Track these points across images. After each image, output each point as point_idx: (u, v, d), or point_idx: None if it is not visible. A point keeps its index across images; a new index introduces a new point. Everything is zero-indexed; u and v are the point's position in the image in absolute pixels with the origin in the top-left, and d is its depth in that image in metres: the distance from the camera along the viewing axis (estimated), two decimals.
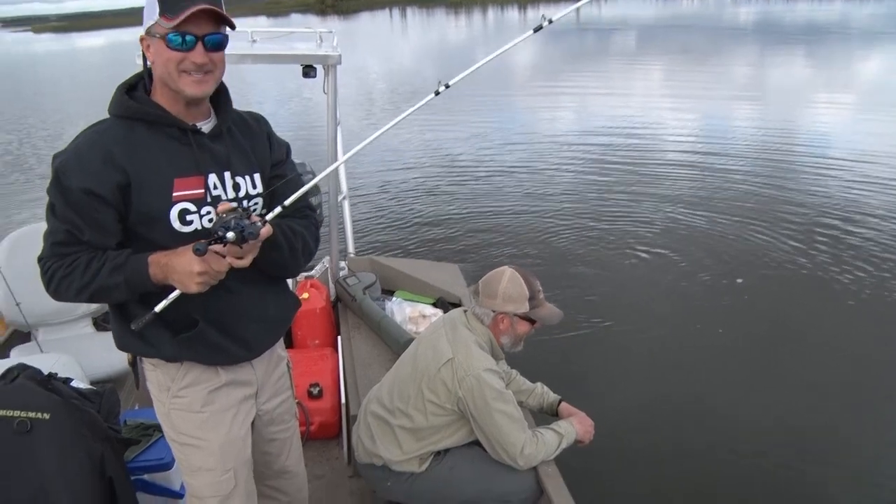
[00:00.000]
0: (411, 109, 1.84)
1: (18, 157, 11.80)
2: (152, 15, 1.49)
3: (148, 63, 1.57)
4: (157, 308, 1.51)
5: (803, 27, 27.69)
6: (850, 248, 5.79)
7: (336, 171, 3.63)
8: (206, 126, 1.62)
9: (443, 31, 36.04)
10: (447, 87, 1.82)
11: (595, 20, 38.61)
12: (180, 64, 1.49)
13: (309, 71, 3.17)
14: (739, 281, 5.33)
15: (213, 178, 1.59)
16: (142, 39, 1.53)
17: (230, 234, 1.41)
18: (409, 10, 68.22)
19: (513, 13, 52.60)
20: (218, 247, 1.44)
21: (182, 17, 1.45)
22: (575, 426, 2.40)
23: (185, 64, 1.49)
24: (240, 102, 1.72)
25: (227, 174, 1.62)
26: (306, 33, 3.52)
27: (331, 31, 3.44)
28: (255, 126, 1.75)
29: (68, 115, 15.66)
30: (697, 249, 6.00)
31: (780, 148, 9.25)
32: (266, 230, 1.49)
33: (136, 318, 1.55)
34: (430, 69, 21.55)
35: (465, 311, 2.39)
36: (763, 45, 23.09)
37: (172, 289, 1.51)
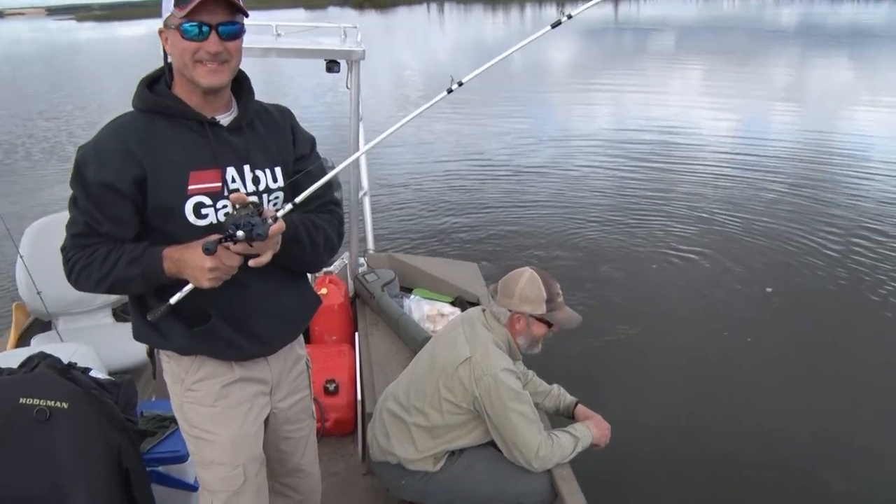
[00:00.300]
0: (424, 107, 1.82)
1: (55, 144, 11.98)
2: (168, 7, 1.50)
3: (168, 57, 1.58)
4: (172, 300, 1.53)
5: (848, 29, 27.06)
6: (888, 261, 5.57)
7: (357, 166, 3.63)
8: (225, 119, 1.62)
9: (479, 27, 35.73)
10: (460, 84, 1.80)
11: (633, 19, 38.25)
12: (195, 54, 1.50)
13: (332, 66, 3.17)
14: (769, 290, 5.20)
15: (231, 172, 1.59)
16: (160, 32, 1.55)
17: (239, 233, 1.41)
18: (446, 6, 67.71)
19: (550, 10, 51.85)
20: (228, 244, 1.44)
21: (192, 5, 1.45)
22: (591, 429, 2.38)
23: (199, 54, 1.50)
24: (271, 94, 1.72)
25: (247, 167, 1.62)
26: (330, 28, 3.53)
27: (355, 27, 3.44)
28: (278, 118, 1.74)
29: (105, 103, 15.82)
30: (728, 255, 5.86)
31: (821, 154, 9.01)
32: (277, 227, 1.49)
33: (153, 309, 1.56)
34: (463, 64, 21.47)
35: (484, 311, 2.38)
36: (806, 47, 22.60)
37: (187, 281, 1.52)
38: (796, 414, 3.76)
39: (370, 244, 4.18)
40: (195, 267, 1.48)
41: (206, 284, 1.49)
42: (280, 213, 1.52)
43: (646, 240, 6.33)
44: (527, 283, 2.28)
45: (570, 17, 1.83)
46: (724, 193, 7.53)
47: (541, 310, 2.27)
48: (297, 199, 1.57)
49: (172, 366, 1.72)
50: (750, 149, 9.39)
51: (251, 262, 1.52)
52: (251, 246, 1.47)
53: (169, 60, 1.59)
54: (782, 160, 8.77)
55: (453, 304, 3.50)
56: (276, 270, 1.68)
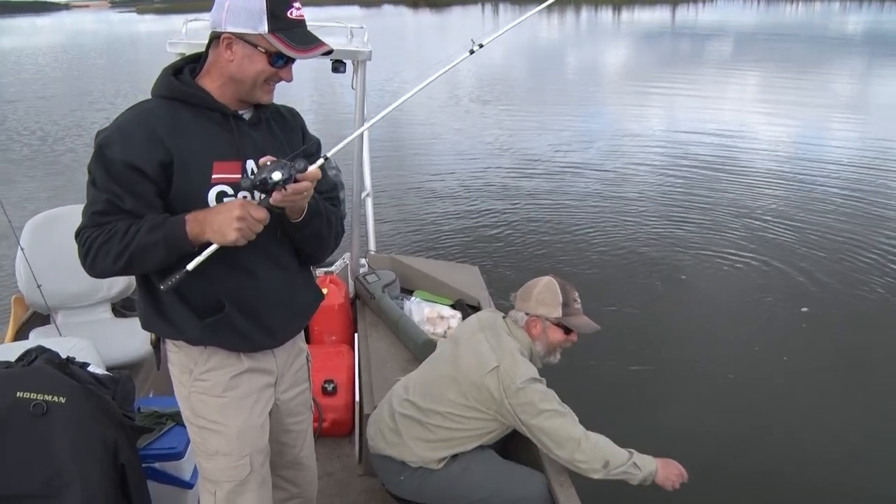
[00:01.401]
0: (443, 70, 1.86)
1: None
2: (254, 25, 1.53)
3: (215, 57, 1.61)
4: (190, 266, 1.52)
5: None
6: None
7: (360, 167, 3.62)
8: (246, 114, 1.67)
9: (534, 30, 35.49)
10: (481, 46, 1.85)
11: (690, 24, 37.81)
12: (270, 77, 1.60)
13: (338, 66, 3.16)
14: (804, 309, 5.05)
15: (251, 164, 1.63)
16: (224, 38, 1.56)
17: (276, 174, 1.44)
18: (500, 7, 66.76)
19: (606, 14, 51.40)
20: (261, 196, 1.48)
21: (311, 53, 1.57)
22: (656, 463, 2.25)
23: (273, 77, 1.61)
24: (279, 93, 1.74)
25: None
26: (337, 28, 3.52)
27: (361, 27, 3.44)
28: (290, 119, 1.81)
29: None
30: (769, 269, 5.70)
31: (878, 170, 8.63)
32: (315, 170, 1.52)
33: (165, 301, 1.60)
34: (520, 67, 21.39)
35: (505, 318, 2.40)
36: (872, 56, 21.83)
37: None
38: (832, 436, 3.65)
39: (372, 245, 4.17)
40: (223, 219, 1.48)
41: (231, 236, 1.47)
42: (313, 167, 1.54)
43: (683, 247, 6.22)
44: (544, 287, 2.34)
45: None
46: (772, 205, 7.32)
47: (556, 313, 2.31)
48: (329, 153, 1.62)
49: (181, 356, 1.73)
50: (805, 161, 9.12)
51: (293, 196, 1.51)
52: (285, 190, 1.47)
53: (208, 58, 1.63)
54: (836, 175, 8.44)
55: (454, 306, 3.49)
56: (289, 262, 1.75)
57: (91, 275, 1.59)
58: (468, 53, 1.84)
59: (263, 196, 1.49)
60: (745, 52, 23.97)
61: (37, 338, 3.05)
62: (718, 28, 34.05)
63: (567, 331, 2.35)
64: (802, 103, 13.41)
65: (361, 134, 3.54)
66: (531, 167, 9.24)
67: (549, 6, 2.21)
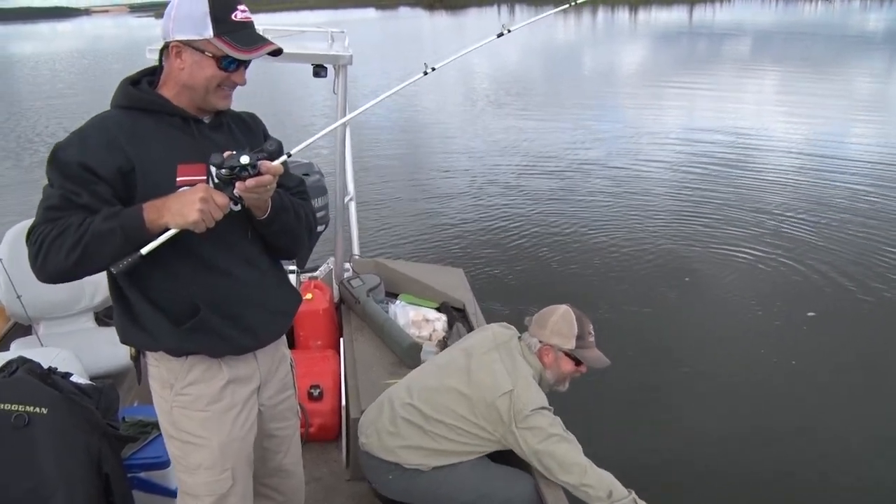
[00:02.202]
0: (399, 87, 1.92)
1: None
2: (199, 30, 1.54)
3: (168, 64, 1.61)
4: (144, 250, 1.47)
5: None
6: None
7: (342, 171, 3.62)
8: (206, 118, 1.67)
9: (550, 31, 35.21)
10: (433, 69, 1.89)
11: (708, 24, 37.68)
12: (222, 81, 1.59)
13: (320, 71, 3.17)
14: (811, 314, 4.98)
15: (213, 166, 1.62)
16: (172, 47, 1.56)
17: (244, 158, 1.46)
18: (517, 7, 66.47)
19: (623, 14, 51.06)
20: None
21: (256, 54, 1.57)
22: None
23: (225, 82, 1.60)
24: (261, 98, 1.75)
25: None
26: (318, 33, 3.53)
27: (342, 31, 3.45)
28: (251, 123, 1.82)
29: None
30: (786, 269, 5.66)
31: None
32: (278, 164, 1.53)
33: (139, 310, 1.57)
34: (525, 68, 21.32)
35: (520, 338, 2.41)
36: (891, 54, 21.71)
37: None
38: (840, 440, 3.66)
39: (356, 249, 4.17)
40: (184, 200, 1.45)
41: (192, 217, 1.44)
42: (278, 161, 1.55)
43: (695, 246, 6.20)
44: (560, 317, 2.36)
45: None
46: (792, 203, 7.28)
47: (570, 345, 2.33)
48: (294, 150, 1.63)
49: (161, 370, 1.71)
50: (824, 159, 9.05)
51: (249, 195, 1.52)
52: (249, 174, 1.48)
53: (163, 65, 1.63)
54: (858, 173, 8.39)
55: (439, 309, 3.49)
56: (262, 261, 1.75)
57: (41, 277, 1.49)
58: (422, 75, 1.90)
59: (228, 185, 1.49)
60: (763, 52, 23.93)
61: (18, 349, 3.01)
62: (736, 27, 34.01)
63: (578, 362, 2.37)
64: (821, 102, 13.38)
65: (344, 138, 3.56)
66: (528, 167, 9.28)
67: (563, 10, 2.25)
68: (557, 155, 9.89)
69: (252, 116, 1.84)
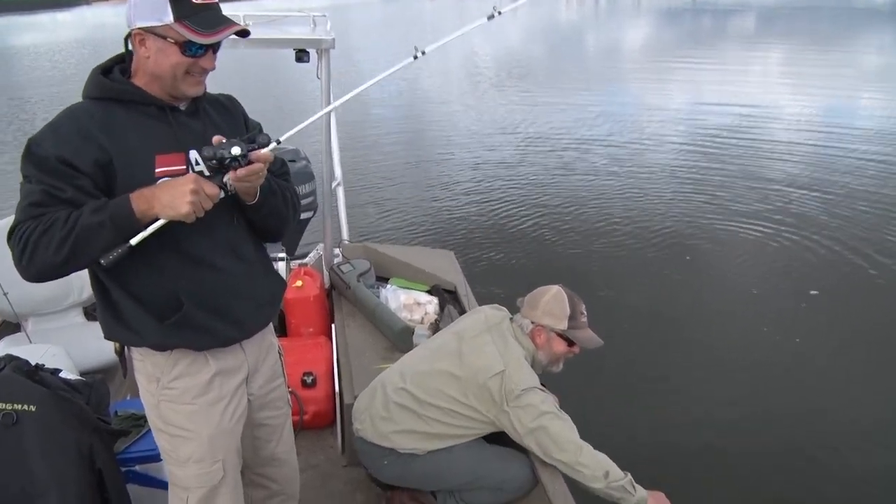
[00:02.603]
0: (386, 73, 1.87)
1: None
2: (159, 16, 1.49)
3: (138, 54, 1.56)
4: (133, 241, 1.46)
5: None
6: None
7: (329, 156, 3.59)
8: (182, 105, 1.64)
9: (550, 11, 34.39)
10: (423, 53, 1.85)
11: (712, 1, 37.20)
12: (189, 67, 1.54)
13: (302, 56, 3.13)
14: (814, 292, 4.98)
15: (193, 154, 1.59)
16: (136, 35, 1.52)
17: (235, 149, 1.44)
18: None
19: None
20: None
21: (219, 37, 1.51)
22: (647, 493, 2.24)
23: (193, 68, 1.55)
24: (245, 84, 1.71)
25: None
26: (300, 17, 3.48)
27: (324, 15, 3.40)
28: (229, 106, 1.79)
29: None
30: (782, 250, 5.64)
31: None
32: (267, 152, 1.52)
33: (123, 306, 1.54)
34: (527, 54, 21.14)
35: (511, 320, 2.41)
36: None
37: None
38: (842, 419, 3.65)
39: (345, 234, 4.14)
40: (175, 192, 1.44)
41: (184, 209, 1.43)
42: (267, 149, 1.54)
43: (698, 223, 6.16)
44: (552, 297, 2.36)
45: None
46: (797, 178, 7.27)
47: (562, 325, 2.33)
48: (282, 138, 1.60)
49: (146, 364, 1.69)
50: (830, 134, 8.99)
51: (240, 185, 1.53)
52: (240, 164, 1.47)
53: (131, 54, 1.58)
54: (864, 147, 8.32)
55: (430, 292, 3.49)
56: (247, 250, 1.73)
57: (28, 275, 1.46)
58: (412, 59, 1.85)
59: (217, 174, 1.48)
60: (768, 26, 23.75)
61: (6, 346, 2.98)
62: (740, 3, 33.62)
63: (570, 343, 2.36)
64: (827, 76, 13.33)
65: (329, 124, 3.52)
66: (526, 146, 9.20)
67: None
68: (556, 134, 9.84)
69: (230, 99, 1.81)
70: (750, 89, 12.42)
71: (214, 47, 1.56)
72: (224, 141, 1.47)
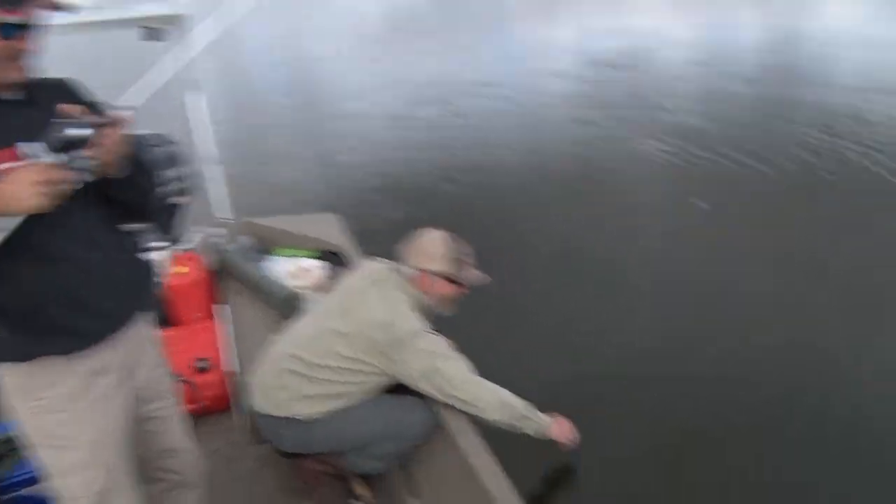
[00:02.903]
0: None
1: None
2: None
3: None
4: None
5: None
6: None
7: (202, 135, 3.44)
8: (15, 96, 1.50)
9: None
10: None
11: None
12: (4, 51, 1.43)
13: (154, 34, 2.94)
14: (704, 206, 5.05)
15: (24, 147, 1.45)
16: None
17: (88, 131, 1.37)
18: None
19: None
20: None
21: (22, 15, 1.41)
22: (550, 419, 2.30)
23: (10, 51, 1.44)
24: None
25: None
26: None
27: None
28: (68, 86, 1.66)
29: None
30: (680, 163, 5.79)
31: (781, 54, 8.79)
32: (118, 114, 1.45)
33: None
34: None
35: (393, 270, 2.37)
36: None
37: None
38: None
39: (228, 213, 4.00)
40: (18, 184, 1.32)
41: (33, 202, 1.32)
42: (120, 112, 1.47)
43: (593, 150, 6.24)
44: (430, 241, 2.36)
45: None
46: (685, 97, 7.42)
47: (444, 267, 2.32)
48: (135, 103, 1.52)
49: (12, 379, 1.57)
50: (715, 49, 9.32)
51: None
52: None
53: None
54: (746, 60, 8.63)
55: (319, 258, 3.43)
56: (104, 237, 1.62)
57: None
58: None
59: (74, 158, 1.39)
60: None
61: None
62: None
63: (456, 283, 2.36)
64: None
65: (198, 103, 3.34)
66: (415, 98, 9.00)
67: None
68: (447, 81, 9.69)
69: (69, 80, 1.68)
70: (634, 15, 12.80)
71: (31, 27, 1.44)
72: (64, 121, 1.37)
